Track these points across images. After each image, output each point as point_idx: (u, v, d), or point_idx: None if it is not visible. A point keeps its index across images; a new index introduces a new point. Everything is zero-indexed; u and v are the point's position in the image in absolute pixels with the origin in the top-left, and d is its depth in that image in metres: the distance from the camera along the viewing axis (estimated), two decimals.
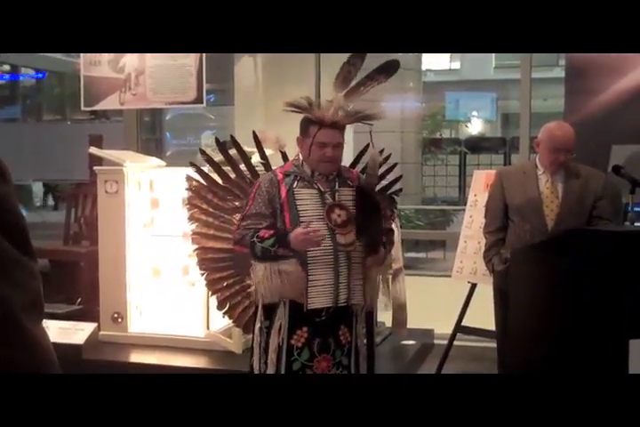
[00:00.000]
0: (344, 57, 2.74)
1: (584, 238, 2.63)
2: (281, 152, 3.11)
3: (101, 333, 4.41)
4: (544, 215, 3.34)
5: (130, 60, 5.19)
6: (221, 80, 6.79)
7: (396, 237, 4.04)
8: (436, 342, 4.82)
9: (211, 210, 3.31)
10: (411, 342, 4.49)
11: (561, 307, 2.63)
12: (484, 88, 18.19)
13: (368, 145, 3.07)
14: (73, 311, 4.95)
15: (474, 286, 4.24)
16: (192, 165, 3.41)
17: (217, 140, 3.35)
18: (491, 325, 3.69)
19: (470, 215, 4.38)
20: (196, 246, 3.34)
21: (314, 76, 5.49)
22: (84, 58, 5.32)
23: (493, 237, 3.53)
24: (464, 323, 4.25)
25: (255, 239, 2.61)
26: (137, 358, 4.25)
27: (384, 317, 4.36)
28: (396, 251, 4.16)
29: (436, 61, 18.93)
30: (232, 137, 3.38)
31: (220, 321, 3.94)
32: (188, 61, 5.05)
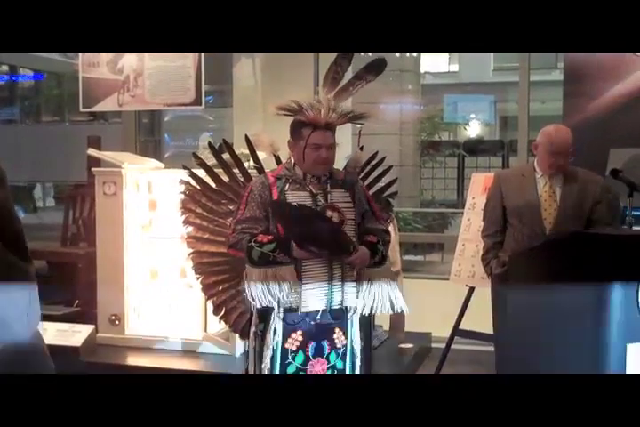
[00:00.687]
0: None
1: (582, 242, 2.63)
2: (274, 156, 3.10)
3: (99, 335, 4.40)
4: (542, 219, 3.34)
5: (128, 62, 5.19)
6: (220, 82, 6.78)
7: (394, 239, 4.04)
8: (433, 345, 4.81)
9: (205, 214, 3.30)
10: (408, 345, 4.48)
11: (559, 310, 2.62)
12: (482, 91, 18.16)
13: (362, 147, 3.08)
14: (70, 313, 4.93)
15: (472, 289, 4.24)
16: (185, 168, 3.40)
17: (210, 144, 3.34)
18: (489, 328, 3.68)
19: (468, 218, 4.37)
20: (191, 250, 3.32)
21: (312, 77, 5.49)
22: (82, 59, 5.32)
23: (491, 241, 3.53)
24: (462, 326, 4.24)
25: (253, 243, 2.59)
26: (134, 360, 4.24)
27: (381, 320, 4.36)
28: (394, 254, 4.16)
29: (434, 64, 18.91)
30: (224, 141, 3.36)
31: (218, 324, 3.94)
32: (187, 63, 5.05)
